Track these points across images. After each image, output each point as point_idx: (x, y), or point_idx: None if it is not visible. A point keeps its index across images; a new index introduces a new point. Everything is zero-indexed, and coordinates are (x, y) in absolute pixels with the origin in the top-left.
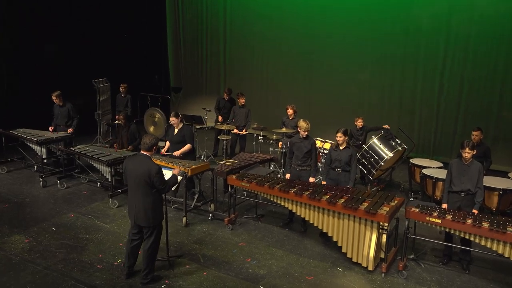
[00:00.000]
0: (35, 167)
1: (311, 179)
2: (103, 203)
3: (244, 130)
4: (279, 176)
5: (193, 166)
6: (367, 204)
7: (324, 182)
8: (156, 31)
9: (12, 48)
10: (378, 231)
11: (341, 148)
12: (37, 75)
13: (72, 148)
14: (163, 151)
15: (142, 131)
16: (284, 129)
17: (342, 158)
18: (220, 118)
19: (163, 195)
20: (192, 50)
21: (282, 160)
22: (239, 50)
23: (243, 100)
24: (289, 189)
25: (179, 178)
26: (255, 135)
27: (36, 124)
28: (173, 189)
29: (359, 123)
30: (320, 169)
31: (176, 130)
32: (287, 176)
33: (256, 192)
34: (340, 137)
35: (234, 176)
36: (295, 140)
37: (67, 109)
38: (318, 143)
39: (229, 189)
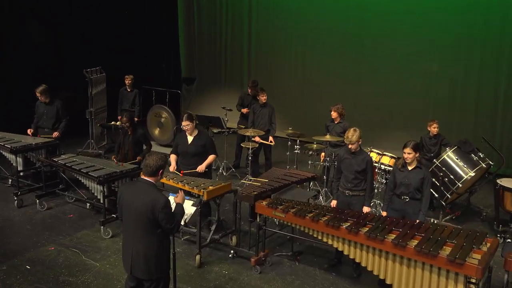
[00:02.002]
0: (10, 180)
1: (365, 209)
2: (93, 231)
3: (270, 138)
4: (320, 198)
5: (210, 188)
6: (449, 248)
7: (384, 214)
8: (164, 9)
9: None
10: (465, 286)
11: (409, 168)
12: (16, 64)
13: (55, 159)
14: (172, 168)
15: (148, 137)
16: (327, 137)
17: (411, 181)
18: (245, 110)
19: (171, 237)
20: (209, 33)
21: (325, 177)
22: (268, 34)
23: (265, 97)
24: (340, 224)
25: (192, 208)
26: (289, 143)
27: (14, 126)
28: (182, 223)
29: (434, 128)
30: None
31: (190, 138)
32: (333, 203)
33: (293, 225)
34: (409, 153)
35: (264, 203)
36: (344, 154)
37: (55, 107)
38: (374, 156)
39: (257, 219)
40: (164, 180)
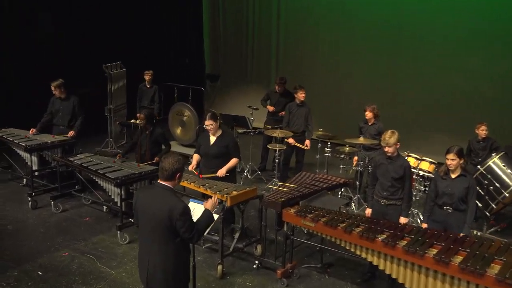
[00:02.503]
0: (24, 180)
1: (403, 220)
2: (110, 236)
3: (306, 142)
4: (352, 206)
5: (234, 193)
6: (498, 266)
7: (425, 225)
8: (189, 2)
9: None
10: None
11: (453, 176)
12: (31, 57)
13: (71, 159)
14: (191, 167)
15: (169, 136)
16: (361, 139)
17: (454, 191)
18: (271, 108)
19: (191, 245)
20: (234, 27)
21: (357, 182)
22: (298, 28)
23: (303, 95)
24: (375, 236)
25: (216, 215)
26: (319, 145)
27: (31, 122)
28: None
29: (482, 131)
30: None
31: (213, 139)
32: (367, 212)
33: (324, 235)
34: (452, 159)
35: (292, 210)
36: (379, 159)
37: (72, 104)
38: (412, 162)
39: (284, 228)
40: (185, 183)
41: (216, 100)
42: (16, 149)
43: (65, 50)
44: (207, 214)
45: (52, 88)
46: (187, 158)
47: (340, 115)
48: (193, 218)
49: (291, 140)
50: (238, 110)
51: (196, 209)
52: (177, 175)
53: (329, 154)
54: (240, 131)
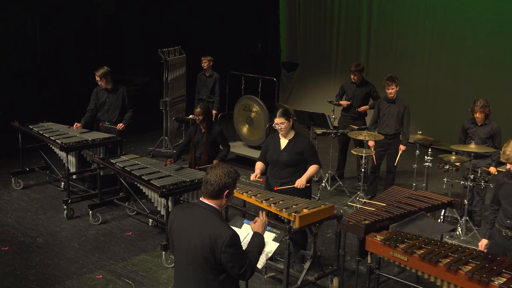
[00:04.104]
0: (63, 184)
1: None
2: (153, 256)
3: (401, 147)
4: (458, 231)
5: (305, 211)
6: None
7: None
8: None
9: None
10: None
11: None
12: (74, 41)
13: (113, 160)
14: (254, 176)
15: (234, 136)
16: (472, 146)
17: None
18: (344, 103)
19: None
20: (317, 6)
21: (466, 201)
22: (395, 11)
23: (394, 90)
24: (490, 279)
25: (272, 244)
26: (417, 152)
27: (73, 115)
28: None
29: None
30: None
31: (284, 142)
32: (482, 244)
33: (420, 273)
34: None
35: (378, 237)
36: (503, 178)
37: (121, 95)
38: None
39: (368, 259)
40: (243, 196)
41: (293, 93)
42: (53, 147)
43: (114, 32)
44: (258, 239)
45: (97, 78)
46: (235, 172)
47: (443, 115)
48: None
49: (371, 143)
50: (317, 106)
51: (241, 232)
52: (226, 193)
53: (430, 164)
54: (319, 131)
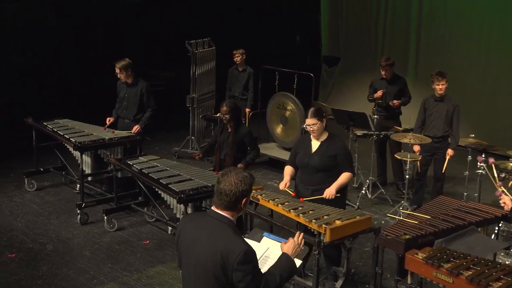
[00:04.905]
0: (78, 186)
1: None
2: (171, 268)
3: (449, 152)
4: None
5: (337, 223)
6: None
7: None
8: None
9: None
10: None
11: None
12: (96, 34)
13: (130, 161)
14: (283, 185)
15: (267, 136)
16: None
17: None
18: (380, 93)
19: None
20: None
21: None
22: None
23: (442, 87)
24: None
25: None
26: (469, 158)
27: (96, 111)
28: None
29: None
30: None
31: (315, 145)
32: None
33: None
34: None
35: (420, 255)
36: None
37: (139, 91)
38: None
39: (408, 279)
40: (270, 204)
41: (333, 90)
42: (68, 146)
43: (140, 23)
44: (285, 262)
45: (117, 70)
46: (252, 178)
47: (500, 117)
48: (266, 263)
49: (416, 148)
50: (358, 105)
51: (272, 250)
52: (243, 202)
53: (483, 171)
54: (359, 133)
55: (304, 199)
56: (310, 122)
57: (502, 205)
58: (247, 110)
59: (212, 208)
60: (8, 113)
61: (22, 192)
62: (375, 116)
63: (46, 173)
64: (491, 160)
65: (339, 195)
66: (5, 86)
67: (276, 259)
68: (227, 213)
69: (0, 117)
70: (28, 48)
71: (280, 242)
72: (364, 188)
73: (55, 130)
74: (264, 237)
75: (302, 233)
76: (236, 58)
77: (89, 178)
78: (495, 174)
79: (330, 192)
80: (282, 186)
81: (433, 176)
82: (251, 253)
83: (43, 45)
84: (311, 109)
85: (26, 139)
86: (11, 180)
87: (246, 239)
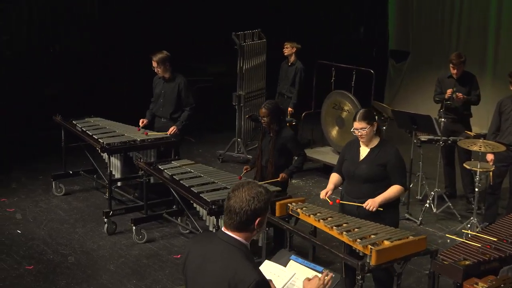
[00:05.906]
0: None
1: None
2: None
3: None
4: None
5: (385, 244)
6: None
7: None
8: None
9: None
10: None
11: None
12: (138, 25)
13: (161, 166)
14: (324, 193)
15: (321, 139)
16: None
17: None
18: (449, 92)
19: None
20: None
21: None
22: None
23: None
24: None
25: None
26: None
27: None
28: None
29: None
30: None
31: (364, 151)
32: None
33: None
34: None
35: (480, 285)
36: None
37: (177, 87)
38: None
39: None
40: (310, 219)
41: (401, 89)
42: (97, 148)
43: (186, 12)
44: None
45: (153, 63)
46: (270, 193)
47: None
48: None
49: (489, 157)
50: (425, 106)
51: (298, 276)
52: (256, 222)
53: None
54: (423, 138)
55: (340, 201)
56: (358, 126)
57: None
58: (290, 110)
59: (222, 229)
60: (39, 109)
61: (49, 197)
62: (442, 119)
63: (76, 177)
64: None
65: (382, 209)
66: (47, 75)
67: None
68: (239, 235)
69: (29, 114)
70: (69, 37)
71: (309, 268)
72: (428, 201)
73: (84, 129)
74: (291, 261)
75: (331, 274)
76: (284, 50)
77: (119, 183)
78: None
79: (373, 203)
80: (323, 194)
81: (509, 190)
82: (264, 284)
83: (83, 34)
84: (360, 111)
85: (56, 138)
86: (40, 183)
87: (271, 263)
